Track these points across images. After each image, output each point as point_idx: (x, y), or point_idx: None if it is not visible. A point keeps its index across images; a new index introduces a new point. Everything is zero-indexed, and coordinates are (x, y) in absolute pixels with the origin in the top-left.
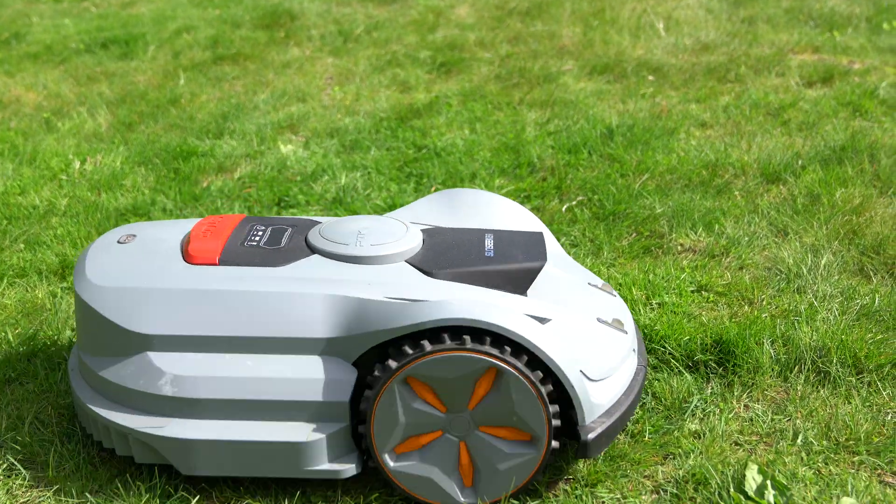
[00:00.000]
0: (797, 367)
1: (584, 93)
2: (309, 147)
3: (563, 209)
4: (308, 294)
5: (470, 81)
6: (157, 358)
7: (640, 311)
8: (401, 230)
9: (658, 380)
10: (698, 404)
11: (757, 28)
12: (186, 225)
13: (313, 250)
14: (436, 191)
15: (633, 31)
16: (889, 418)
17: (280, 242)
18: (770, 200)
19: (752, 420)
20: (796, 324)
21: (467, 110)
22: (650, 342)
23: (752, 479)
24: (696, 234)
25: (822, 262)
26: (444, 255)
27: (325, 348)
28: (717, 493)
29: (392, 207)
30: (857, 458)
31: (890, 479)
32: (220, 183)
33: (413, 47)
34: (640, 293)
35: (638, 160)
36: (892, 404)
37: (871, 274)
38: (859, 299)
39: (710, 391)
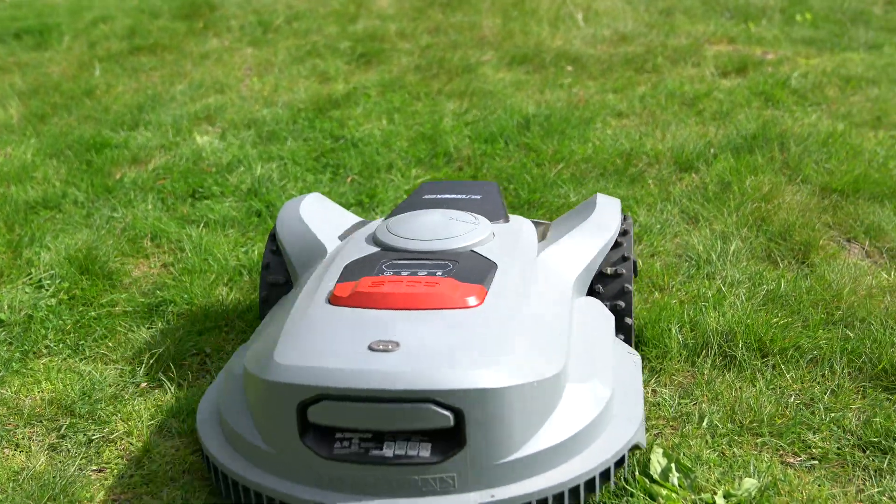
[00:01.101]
0: (704, 351)
1: (502, 83)
2: (225, 138)
3: None
4: (547, 262)
5: (389, 72)
6: (575, 383)
7: None
8: (444, 212)
9: None
10: None
11: (674, 19)
12: (360, 315)
13: (464, 252)
14: (352, 181)
15: (553, 21)
16: (791, 400)
17: (438, 266)
18: (682, 188)
19: (659, 404)
20: (704, 309)
21: (386, 101)
22: None
23: (657, 462)
24: None
25: (731, 248)
26: (482, 213)
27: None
28: (622, 478)
29: None
30: (759, 440)
31: (791, 460)
32: (134, 175)
33: (333, 38)
34: None
35: (554, 149)
36: (794, 386)
37: (779, 260)
38: (766, 284)
39: None
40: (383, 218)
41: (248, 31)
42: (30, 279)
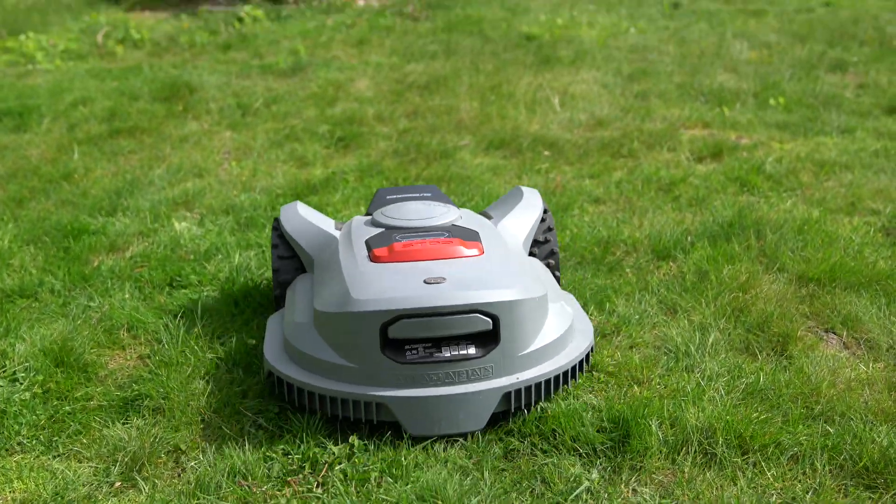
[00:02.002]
0: (684, 448)
1: (480, 168)
2: (203, 224)
3: None
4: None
5: (368, 156)
6: (552, 302)
7: None
8: (422, 202)
9: (547, 464)
10: (586, 487)
11: (650, 103)
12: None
13: (449, 226)
14: None
15: (530, 105)
16: (773, 500)
17: (439, 234)
18: (660, 277)
19: None
20: (683, 404)
21: (364, 186)
22: (540, 424)
23: None
24: (587, 312)
25: (710, 340)
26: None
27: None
28: None
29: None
30: None
31: None
32: (111, 262)
33: (312, 121)
34: None
35: None
36: (776, 485)
37: (757, 351)
38: (745, 378)
39: (597, 476)
40: (363, 216)
41: (227, 113)
42: (3, 372)
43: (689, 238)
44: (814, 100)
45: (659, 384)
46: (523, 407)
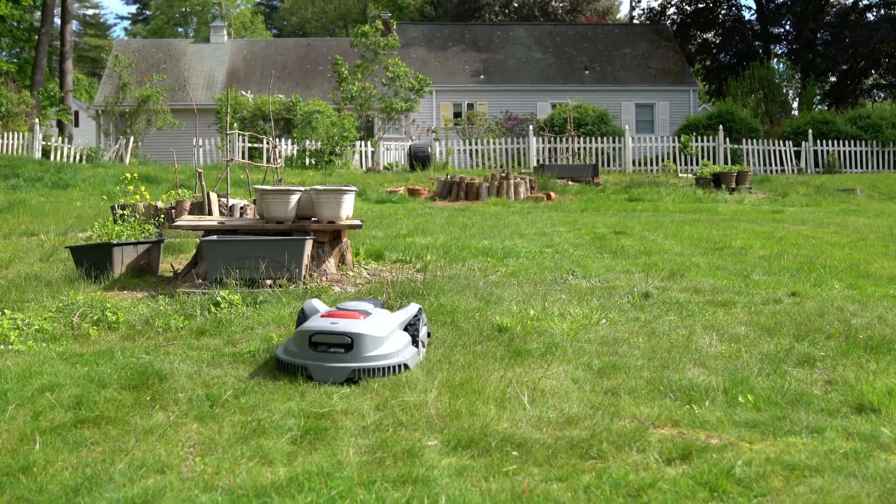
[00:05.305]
0: None
1: (448, 470)
2: None
3: None
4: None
5: (333, 455)
6: (388, 341)
7: None
8: (359, 302)
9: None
10: None
11: (619, 400)
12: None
13: (361, 309)
14: None
15: (500, 402)
16: None
17: (353, 311)
18: None
19: None
20: None
21: (328, 488)
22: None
23: None
24: None
25: None
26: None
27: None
28: None
29: None
30: None
31: None
32: None
33: (282, 414)
34: None
35: None
36: None
37: None
38: None
39: None
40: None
41: (195, 404)
42: None
43: None
44: (782, 397)
45: None
46: (360, 378)
